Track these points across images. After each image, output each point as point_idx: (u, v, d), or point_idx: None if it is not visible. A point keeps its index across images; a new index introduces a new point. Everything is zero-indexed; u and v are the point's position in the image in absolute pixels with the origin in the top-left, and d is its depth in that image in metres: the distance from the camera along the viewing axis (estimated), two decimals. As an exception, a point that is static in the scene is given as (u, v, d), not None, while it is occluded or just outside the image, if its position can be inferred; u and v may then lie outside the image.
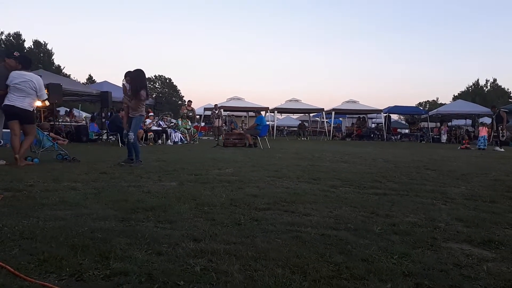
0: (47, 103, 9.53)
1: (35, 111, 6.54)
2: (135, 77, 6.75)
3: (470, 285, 1.77)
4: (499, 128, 15.27)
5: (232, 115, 26.47)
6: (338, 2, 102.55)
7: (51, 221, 2.70)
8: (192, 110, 17.55)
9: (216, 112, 17.57)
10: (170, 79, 77.76)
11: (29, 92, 6.27)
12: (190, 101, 17.77)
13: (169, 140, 14.88)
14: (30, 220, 2.73)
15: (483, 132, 15.64)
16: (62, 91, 13.48)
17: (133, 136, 6.72)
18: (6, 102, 6.19)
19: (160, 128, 15.09)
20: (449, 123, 28.48)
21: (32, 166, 6.15)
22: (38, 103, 6.93)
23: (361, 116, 27.76)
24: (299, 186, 4.69)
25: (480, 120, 29.14)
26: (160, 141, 14.61)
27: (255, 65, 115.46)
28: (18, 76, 6.24)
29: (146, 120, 15.31)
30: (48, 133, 9.04)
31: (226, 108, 23.36)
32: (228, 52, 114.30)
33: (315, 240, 2.39)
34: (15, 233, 2.39)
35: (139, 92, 6.61)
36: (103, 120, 16.36)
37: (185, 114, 16.74)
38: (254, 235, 2.45)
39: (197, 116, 30.50)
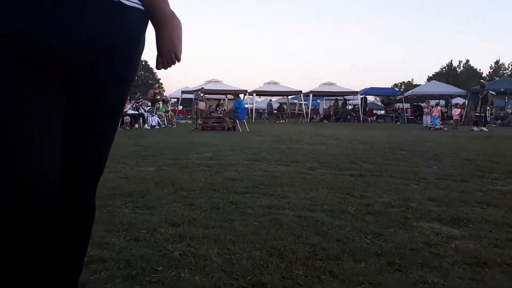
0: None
1: None
2: None
3: (439, 262, 1.86)
4: (485, 109, 15.49)
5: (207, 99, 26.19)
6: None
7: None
8: (159, 92, 17.29)
9: (202, 95, 17.35)
10: (146, 62, 76.02)
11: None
12: (156, 84, 17.59)
13: (146, 124, 14.70)
14: None
15: (435, 111, 15.91)
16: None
17: None
18: None
19: (136, 112, 14.85)
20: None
21: None
22: None
23: (339, 98, 28.04)
24: (277, 169, 4.74)
25: (453, 100, 29.94)
26: (137, 125, 14.41)
27: (233, 48, 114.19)
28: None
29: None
30: None
31: (205, 91, 23.08)
32: (205, 34, 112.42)
33: (292, 222, 2.44)
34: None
35: None
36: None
37: (160, 97, 16.48)
38: (233, 219, 2.49)
39: (173, 100, 30.14)
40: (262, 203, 2.92)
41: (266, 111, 30.10)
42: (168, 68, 1.16)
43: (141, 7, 1.02)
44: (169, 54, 1.12)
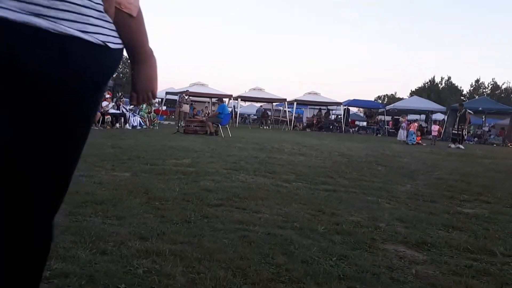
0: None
1: None
2: None
3: (398, 288, 1.92)
4: (462, 127, 15.85)
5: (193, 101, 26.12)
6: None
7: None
8: None
9: (186, 98, 17.27)
10: (132, 59, 75.27)
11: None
12: None
13: (127, 124, 14.55)
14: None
15: (412, 127, 16.26)
16: None
17: None
18: None
19: (118, 111, 14.69)
20: (407, 117, 29.69)
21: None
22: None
23: (323, 108, 28.35)
24: (254, 180, 4.77)
25: (434, 116, 30.64)
26: (118, 125, 14.26)
27: (220, 51, 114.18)
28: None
29: (103, 102, 14.86)
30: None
31: (189, 93, 23.04)
32: (192, 36, 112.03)
33: (261, 240, 2.47)
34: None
35: None
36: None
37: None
38: (202, 234, 2.50)
39: (157, 100, 29.96)
40: (234, 218, 2.94)
41: (257, 115, 30.18)
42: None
43: (121, 46, 1.02)
44: (146, 92, 1.12)
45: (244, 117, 42.17)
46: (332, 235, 2.70)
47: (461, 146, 15.09)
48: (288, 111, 27.42)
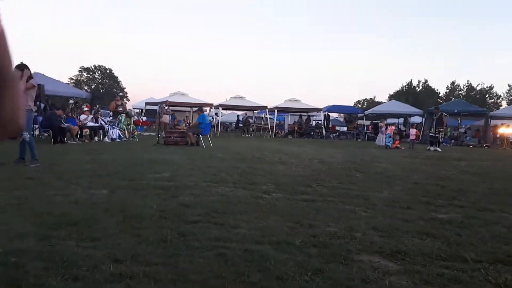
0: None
1: None
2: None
3: (371, 301, 1.95)
4: (439, 130, 16.21)
5: (174, 111, 26.01)
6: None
7: (-39, 242, 2.54)
8: (122, 104, 17.04)
9: (166, 108, 17.15)
10: (110, 70, 74.46)
11: None
12: (119, 96, 17.34)
13: (106, 137, 14.34)
14: None
15: (389, 130, 16.62)
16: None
17: (28, 135, 6.68)
18: None
19: (96, 124, 14.47)
20: (385, 121, 30.22)
21: None
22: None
23: (304, 114, 28.58)
24: (233, 192, 4.77)
25: (412, 119, 31.23)
26: (97, 138, 14.03)
27: (199, 60, 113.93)
28: None
29: (81, 115, 14.64)
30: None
31: (169, 103, 22.93)
32: (170, 45, 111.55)
33: (238, 257, 2.47)
34: None
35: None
36: (35, 114, 15.38)
37: (122, 109, 16.20)
38: (178, 254, 2.49)
39: (135, 110, 29.75)
40: (211, 235, 2.93)
41: (239, 122, 30.20)
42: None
43: None
44: (10, 123, 0.94)
45: (226, 126, 42.16)
46: (308, 248, 2.73)
47: (438, 149, 15.43)
48: (270, 118, 27.55)
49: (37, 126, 14.29)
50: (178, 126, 19.15)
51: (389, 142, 16.08)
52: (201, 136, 13.41)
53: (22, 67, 6.38)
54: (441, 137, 16.15)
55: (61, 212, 3.40)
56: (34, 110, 6.98)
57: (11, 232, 2.79)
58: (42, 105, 15.91)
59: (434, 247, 2.88)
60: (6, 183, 4.83)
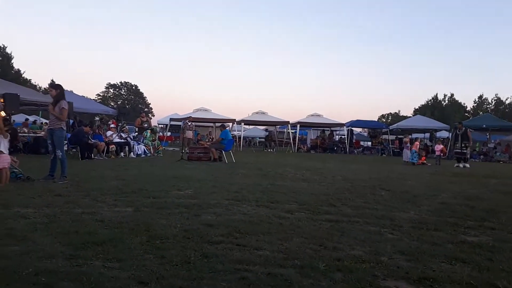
0: (3, 113, 9.20)
1: None
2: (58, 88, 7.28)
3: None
4: (466, 146, 15.76)
5: (197, 126, 26.40)
6: (303, 14, 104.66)
7: (-6, 261, 2.63)
8: (147, 120, 17.44)
9: (189, 124, 17.48)
10: (136, 86, 76.41)
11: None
12: (144, 112, 17.77)
13: (132, 153, 14.64)
14: (-29, 260, 2.65)
15: (414, 146, 16.17)
16: (19, 101, 13.05)
17: (61, 153, 7.04)
18: None
19: (122, 140, 14.81)
20: (410, 136, 29.69)
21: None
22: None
23: (326, 129, 28.44)
24: (256, 211, 4.76)
25: (438, 134, 30.53)
26: (122, 154, 14.34)
27: (222, 76, 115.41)
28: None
29: (108, 131, 15.02)
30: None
31: (193, 119, 23.30)
32: (194, 61, 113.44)
33: (261, 281, 2.46)
34: (-48, 278, 2.32)
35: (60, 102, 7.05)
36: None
37: (147, 125, 16.57)
38: (201, 277, 2.49)
39: (160, 126, 30.36)
40: (234, 257, 2.93)
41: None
42: None
43: None
44: None
45: (248, 140, 42.32)
46: (333, 273, 2.68)
47: (467, 165, 14.98)
48: (292, 132, 27.53)
49: (66, 142, 14.76)
50: (201, 141, 19.37)
51: (414, 158, 15.72)
52: (223, 152, 13.51)
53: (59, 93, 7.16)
54: (469, 153, 15.65)
55: (87, 231, 3.48)
56: (65, 128, 7.29)
57: (41, 252, 2.87)
58: (71, 121, 16.47)
59: (463, 273, 2.79)
60: (36, 200, 4.98)
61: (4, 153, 6.50)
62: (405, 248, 3.38)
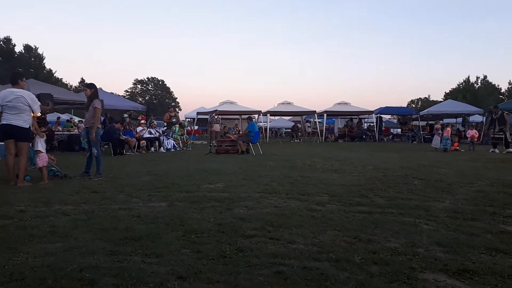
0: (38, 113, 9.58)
1: (31, 128, 6.57)
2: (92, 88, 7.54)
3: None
4: (504, 130, 15.07)
5: (223, 119, 26.58)
6: (329, 3, 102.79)
7: (41, 258, 2.76)
8: (175, 115, 17.69)
9: (216, 117, 17.66)
10: (163, 81, 77.61)
11: (22, 109, 6.28)
12: (172, 107, 18.06)
13: (162, 148, 14.93)
14: (20, 256, 2.79)
15: (446, 132, 15.57)
16: (53, 100, 13.52)
17: (96, 151, 7.31)
18: (2, 121, 6.24)
19: (152, 136, 15.12)
20: (441, 121, 28.79)
21: (25, 186, 6.15)
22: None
23: (354, 117, 27.99)
24: (287, 204, 4.77)
25: (471, 118, 29.49)
26: (153, 149, 14.66)
27: (247, 68, 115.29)
28: (8, 94, 6.26)
29: (138, 127, 15.36)
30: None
31: (219, 112, 23.48)
32: (220, 54, 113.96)
33: (297, 275, 2.47)
34: (5, 274, 2.45)
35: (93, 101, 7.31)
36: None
37: (175, 120, 16.85)
38: (238, 271, 2.53)
39: (187, 120, 30.77)
40: (268, 250, 2.96)
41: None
42: None
43: None
44: None
45: (274, 131, 42.28)
46: (369, 266, 2.66)
47: (510, 150, 14.33)
48: (319, 122, 27.28)
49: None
50: (228, 134, 19.51)
51: (447, 144, 15.27)
52: (251, 144, 13.57)
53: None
54: (509, 137, 14.88)
55: (125, 227, 3.59)
56: (100, 127, 7.54)
57: (83, 248, 2.99)
58: (102, 118, 16.95)
59: (505, 265, 2.71)
60: (74, 197, 5.18)
61: (42, 152, 6.78)
62: (442, 239, 3.31)
